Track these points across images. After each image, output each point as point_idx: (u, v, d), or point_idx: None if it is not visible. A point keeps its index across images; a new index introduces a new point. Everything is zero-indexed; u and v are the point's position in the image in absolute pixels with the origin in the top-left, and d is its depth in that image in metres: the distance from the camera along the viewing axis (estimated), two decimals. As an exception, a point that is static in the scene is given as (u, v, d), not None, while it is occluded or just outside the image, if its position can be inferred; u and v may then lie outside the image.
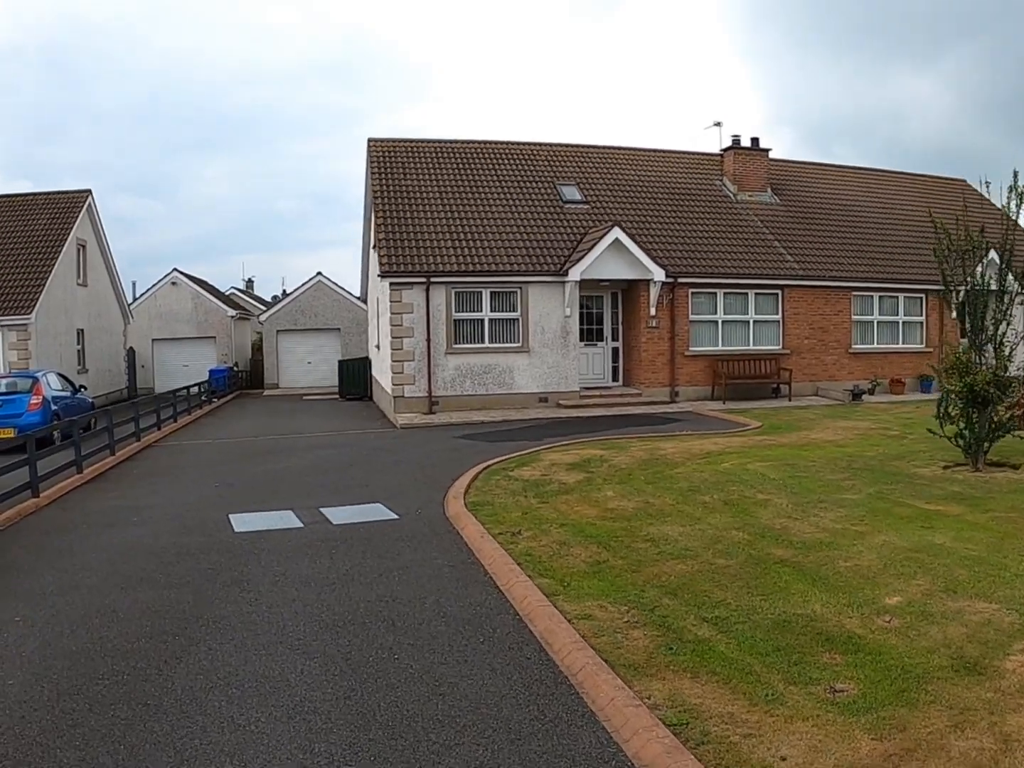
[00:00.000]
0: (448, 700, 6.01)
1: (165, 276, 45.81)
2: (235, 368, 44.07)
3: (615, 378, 27.40)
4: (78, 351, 34.00)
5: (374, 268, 31.50)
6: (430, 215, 26.14)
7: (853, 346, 29.09)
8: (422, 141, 29.95)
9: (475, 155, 29.83)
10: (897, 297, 30.00)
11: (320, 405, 33.29)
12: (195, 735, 5.58)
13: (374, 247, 30.62)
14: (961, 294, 29.39)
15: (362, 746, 5.39)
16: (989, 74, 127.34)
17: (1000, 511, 10.67)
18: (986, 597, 7.41)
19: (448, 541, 10.64)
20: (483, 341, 24.78)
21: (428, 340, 24.04)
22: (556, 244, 25.85)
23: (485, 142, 30.76)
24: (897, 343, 30.15)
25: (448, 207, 26.66)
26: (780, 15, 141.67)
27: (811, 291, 28.16)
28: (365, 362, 35.09)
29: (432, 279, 23.93)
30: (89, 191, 35.08)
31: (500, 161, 29.70)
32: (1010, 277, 15.11)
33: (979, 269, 30.02)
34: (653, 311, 25.94)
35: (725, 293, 27.14)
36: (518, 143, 31.07)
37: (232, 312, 46.19)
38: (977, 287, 15.70)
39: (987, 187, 16.25)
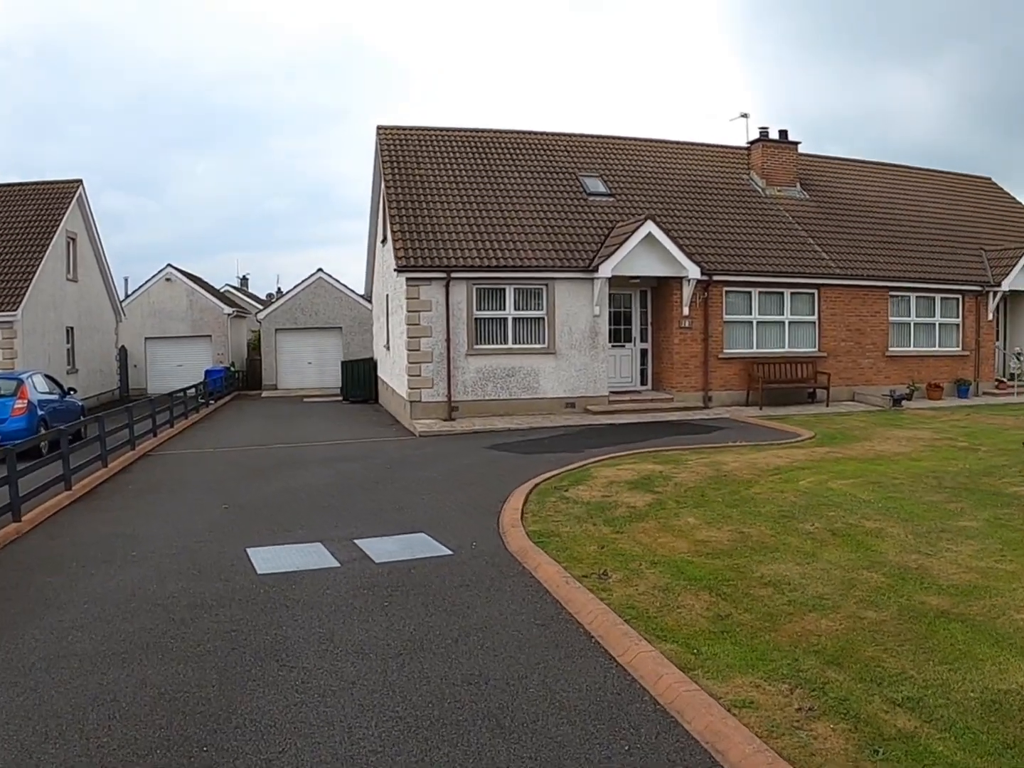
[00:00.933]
0: None
1: (159, 272, 43.36)
2: (232, 368, 41.77)
3: (644, 382, 25.30)
4: (67, 350, 31.68)
5: (382, 264, 29.39)
6: (447, 206, 24.00)
7: (890, 349, 27.10)
8: (434, 129, 27.80)
9: (491, 144, 27.69)
10: (934, 298, 28.04)
11: (324, 408, 31.02)
12: None
13: (383, 241, 28.48)
14: (999, 296, 27.64)
15: None
16: (980, 76, 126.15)
17: None
18: None
19: (523, 587, 8.55)
20: (506, 342, 22.65)
21: (447, 340, 21.91)
22: (582, 238, 23.74)
23: (501, 131, 28.63)
24: (933, 346, 28.20)
25: (466, 198, 24.52)
26: (773, 15, 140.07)
27: (848, 291, 26.15)
28: (371, 363, 32.87)
29: (452, 274, 21.79)
30: (80, 181, 32.75)
31: (518, 151, 27.57)
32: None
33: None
34: (686, 311, 23.86)
35: (760, 292, 25.08)
36: (536, 132, 28.94)
37: (229, 310, 43.83)
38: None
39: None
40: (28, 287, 27.19)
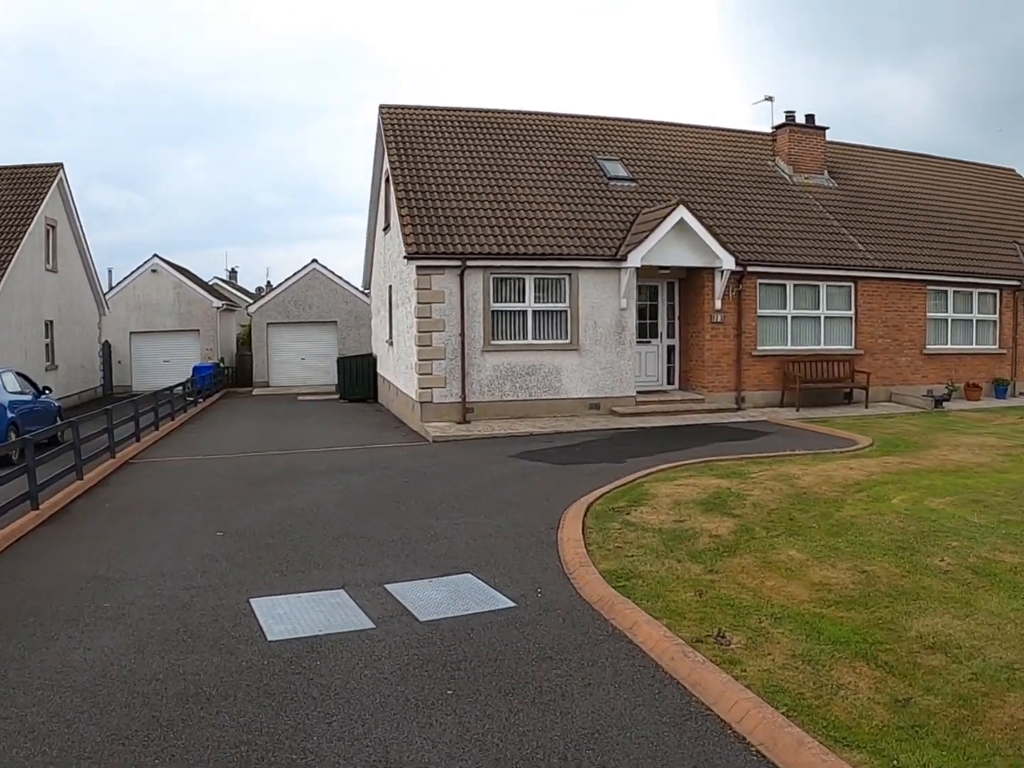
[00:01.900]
0: None
1: (144, 263, 40.71)
2: (221, 364, 39.29)
3: (670, 381, 23.09)
4: (46, 345, 29.19)
5: (384, 253, 27.10)
6: (459, 190, 21.71)
7: (927, 347, 25.00)
8: (442, 109, 25.48)
9: (502, 125, 25.39)
10: (971, 293, 25.94)
11: (321, 408, 28.66)
12: None
13: (385, 229, 26.19)
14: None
15: None
16: (966, 74, 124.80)
17: None
18: None
19: (625, 659, 6.48)
20: (526, 337, 20.39)
21: (462, 335, 19.66)
22: (605, 225, 21.51)
23: (512, 112, 26.32)
24: (970, 344, 26.11)
25: (479, 181, 22.24)
26: (766, 13, 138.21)
27: (885, 284, 24.01)
28: (370, 360, 30.50)
29: (468, 262, 19.52)
30: (60, 165, 30.26)
31: (531, 132, 25.27)
32: None
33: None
34: (718, 304, 21.67)
35: (795, 285, 22.91)
36: (549, 114, 26.64)
37: (218, 303, 41.24)
38: None
39: None
40: (3, 277, 24.72)
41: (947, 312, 25.53)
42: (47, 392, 20.93)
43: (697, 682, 5.87)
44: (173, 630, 7.07)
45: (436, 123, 24.58)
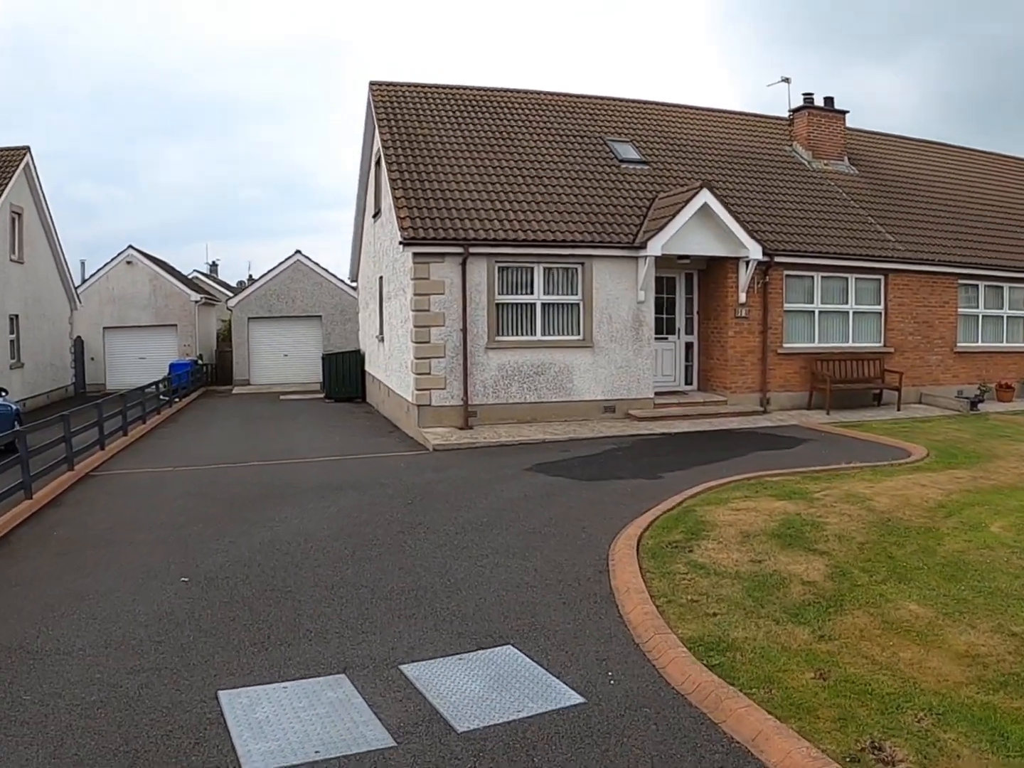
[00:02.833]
0: None
1: (119, 254, 38.21)
2: (200, 361, 36.93)
3: (688, 380, 21.01)
4: (11, 341, 26.84)
5: (373, 243, 24.94)
6: (459, 171, 19.56)
7: (958, 344, 23.07)
8: (438, 87, 23.30)
9: (502, 104, 23.23)
10: (1002, 288, 24.03)
11: (306, 409, 26.42)
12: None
13: (375, 216, 24.03)
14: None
15: None
16: (949, 71, 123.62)
17: None
18: None
19: None
20: (534, 333, 18.30)
21: (464, 331, 17.54)
22: (619, 210, 19.41)
23: (513, 90, 24.16)
24: (1001, 341, 24.21)
25: (480, 162, 20.09)
26: (750, 10, 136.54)
27: (916, 278, 22.04)
28: (357, 357, 28.27)
29: (471, 249, 17.39)
30: (26, 149, 27.93)
31: (534, 112, 23.13)
32: None
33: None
34: (743, 297, 19.62)
35: (823, 278, 20.91)
36: (553, 93, 24.50)
37: (196, 296, 38.80)
38: None
39: None
40: (-41, 266, 22.46)
41: (978, 308, 23.62)
42: (3, 394, 18.68)
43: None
44: (111, 750, 4.93)
45: (432, 101, 22.42)
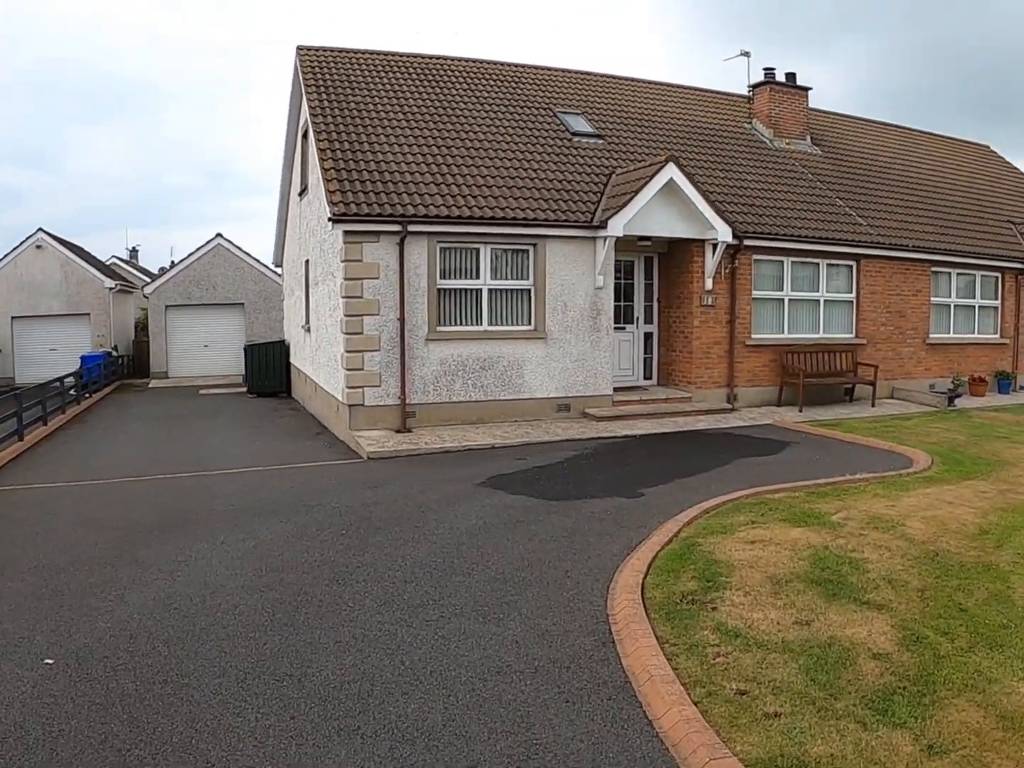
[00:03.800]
0: None
1: (27, 238, 35.17)
2: (114, 353, 34.01)
3: (647, 375, 19.03)
4: None
5: (299, 223, 22.56)
6: (395, 142, 17.29)
7: (930, 336, 21.50)
8: (372, 53, 20.93)
9: (444, 73, 20.96)
10: (974, 276, 22.59)
11: (226, 405, 23.92)
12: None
13: (301, 193, 21.69)
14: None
15: None
16: (876, 65, 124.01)
17: None
18: None
19: None
20: (480, 323, 16.17)
21: (401, 320, 15.34)
22: (573, 187, 17.34)
23: (456, 59, 21.91)
24: (972, 333, 22.76)
25: (419, 133, 17.83)
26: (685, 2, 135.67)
27: (889, 264, 20.39)
28: (282, 348, 25.81)
29: (409, 227, 15.21)
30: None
31: (477, 81, 20.90)
32: None
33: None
34: (709, 283, 17.71)
35: (793, 263, 19.11)
36: (498, 63, 22.27)
37: (111, 283, 35.75)
38: None
39: None
40: None
41: (950, 297, 22.10)
42: None
43: None
44: None
45: (367, 69, 20.04)
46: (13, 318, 34.72)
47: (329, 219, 15.14)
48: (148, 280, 44.63)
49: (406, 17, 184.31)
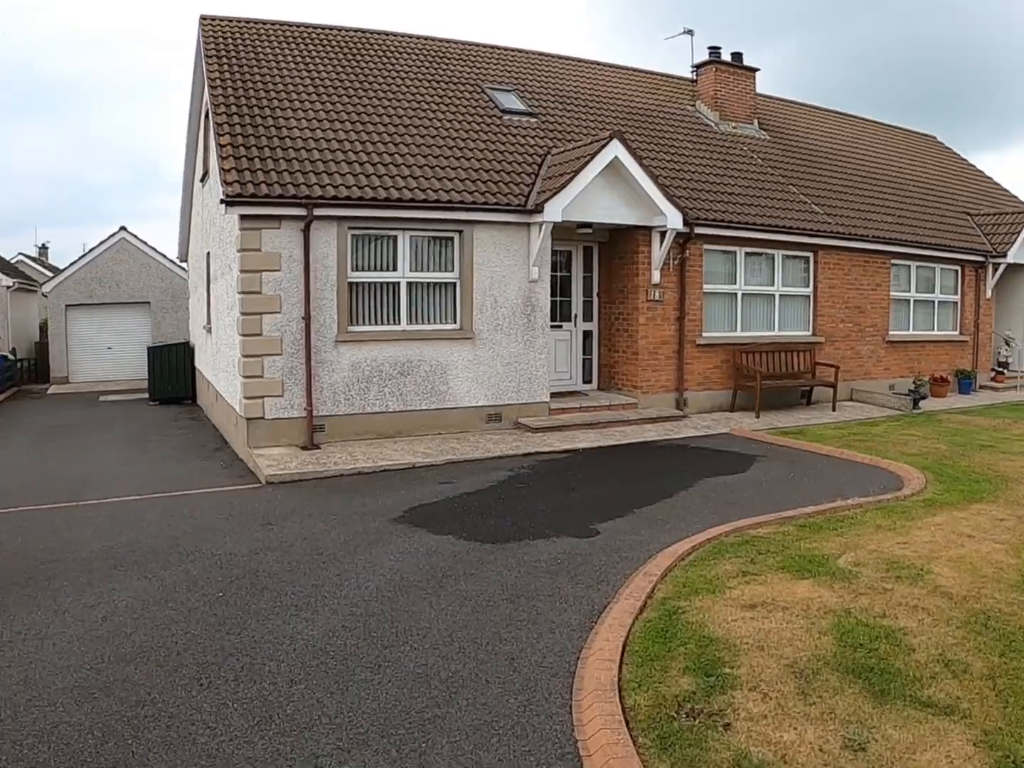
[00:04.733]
0: None
1: (-85, 234, 32.31)
2: (11, 357, 31.08)
3: (586, 378, 17.04)
4: None
5: (202, 211, 20.17)
6: (304, 116, 15.03)
7: (890, 333, 19.88)
8: (283, 24, 18.56)
9: (364, 46, 18.70)
10: (934, 269, 21.04)
11: (123, 414, 21.36)
12: None
13: (203, 179, 19.30)
14: (1001, 268, 20.75)
15: None
16: (808, 65, 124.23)
17: None
18: None
19: None
20: (398, 321, 14.04)
21: (307, 319, 13.16)
22: (503, 167, 15.29)
23: (374, 31, 19.62)
24: (931, 329, 21.22)
25: (332, 107, 15.61)
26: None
27: (848, 256, 18.72)
28: (186, 350, 23.33)
29: (316, 211, 13.02)
30: None
31: (398, 56, 18.68)
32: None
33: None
34: (657, 276, 15.80)
35: (747, 254, 17.29)
36: (421, 37, 20.02)
37: (9, 281, 32.56)
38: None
39: None
40: None
41: (909, 291, 20.54)
42: None
43: None
44: None
45: (279, 40, 17.69)
46: (-95, 321, 31.66)
47: (222, 201, 12.86)
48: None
49: None
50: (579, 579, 7.11)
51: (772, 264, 17.63)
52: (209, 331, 18.60)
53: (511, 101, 17.96)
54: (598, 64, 22.45)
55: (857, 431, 14.98)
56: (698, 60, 22.26)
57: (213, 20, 17.94)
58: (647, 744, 4.35)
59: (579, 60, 22.09)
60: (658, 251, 15.53)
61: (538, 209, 14.03)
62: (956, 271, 21.49)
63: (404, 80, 17.56)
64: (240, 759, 4.48)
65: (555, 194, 13.90)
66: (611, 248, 16.54)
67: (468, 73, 18.81)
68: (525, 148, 16.19)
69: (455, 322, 14.35)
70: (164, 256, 32.39)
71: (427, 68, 18.44)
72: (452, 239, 14.24)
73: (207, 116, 17.68)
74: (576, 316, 16.69)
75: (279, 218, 13.05)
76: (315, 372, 13.30)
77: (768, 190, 18.46)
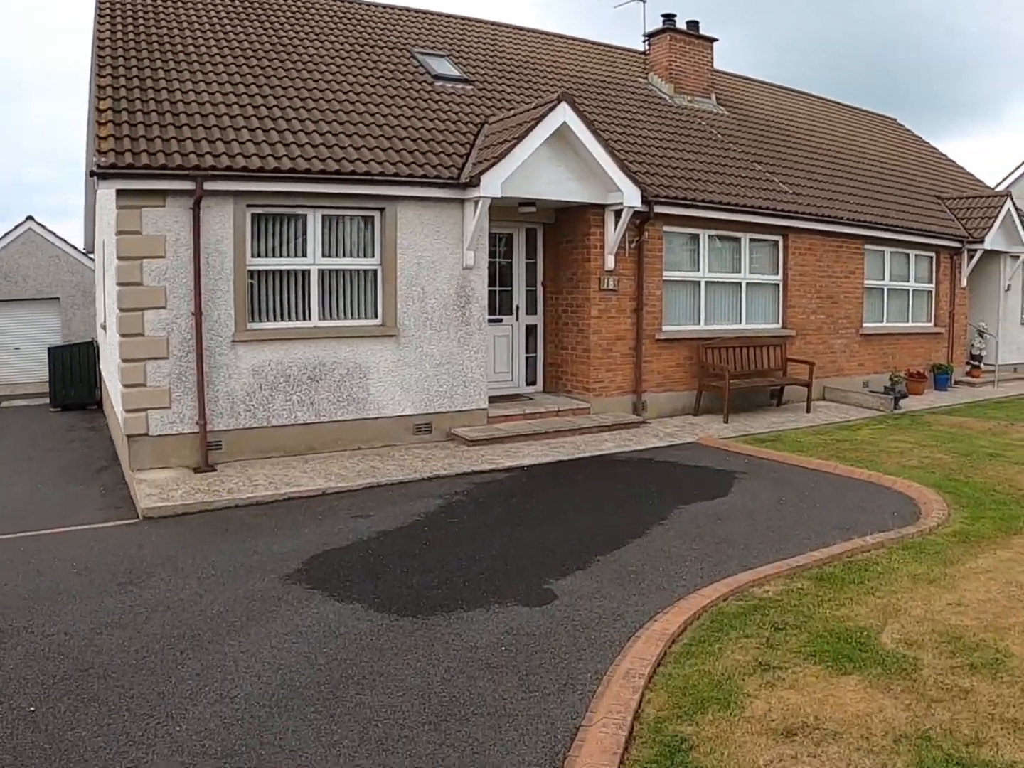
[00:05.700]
0: None
1: None
2: (-89, 360, 28.26)
3: (530, 379, 14.92)
4: None
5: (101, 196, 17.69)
6: (205, 80, 12.66)
7: (864, 325, 18.02)
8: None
9: (279, 9, 16.29)
10: (908, 256, 19.22)
11: (17, 424, 18.71)
12: None
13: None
14: (977, 255, 18.94)
15: None
16: (751, 55, 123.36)
17: None
18: None
19: None
20: (309, 316, 11.77)
21: (198, 315, 10.84)
22: (434, 136, 13.07)
23: (289, -12, 17.44)
24: (906, 321, 19.42)
25: (239, 71, 13.24)
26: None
27: (820, 240, 16.81)
28: (90, 350, 20.82)
29: (207, 184, 10.73)
30: None
31: (321, 19, 16.34)
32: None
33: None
34: (611, 262, 13.72)
35: (711, 237, 15.28)
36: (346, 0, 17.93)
37: (-90, 279, 30.04)
38: None
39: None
40: None
41: (883, 280, 18.69)
42: None
43: None
44: None
45: (183, 1, 15.42)
46: None
47: (93, 173, 10.54)
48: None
49: None
50: (532, 681, 4.99)
51: (738, 249, 15.64)
52: (105, 329, 16.19)
53: (444, 67, 15.77)
54: (542, 33, 20.35)
55: (840, 437, 13.05)
56: (651, 29, 20.22)
57: (109, -23, 15.49)
58: None
59: (521, 28, 19.97)
60: (612, 233, 13.43)
61: (473, 183, 11.84)
62: (931, 258, 19.71)
63: (324, 44, 15.27)
64: None
65: (493, 164, 11.73)
66: (558, 230, 14.42)
67: (397, 38, 16.58)
68: (460, 117, 14.01)
69: (376, 317, 12.12)
70: (75, 248, 29.59)
71: (351, 32, 16.16)
72: (372, 219, 12.01)
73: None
74: (518, 308, 14.55)
75: (163, 194, 10.74)
76: (209, 378, 11.02)
77: (732, 167, 16.46)
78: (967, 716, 4.22)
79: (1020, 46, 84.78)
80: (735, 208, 14.96)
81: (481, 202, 11.92)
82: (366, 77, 14.40)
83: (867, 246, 17.80)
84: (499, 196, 11.90)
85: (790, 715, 4.28)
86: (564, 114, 12.23)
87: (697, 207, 14.39)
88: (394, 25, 17.28)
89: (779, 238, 16.17)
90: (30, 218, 29.13)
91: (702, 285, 15.17)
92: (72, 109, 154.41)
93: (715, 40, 20.10)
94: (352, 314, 12.01)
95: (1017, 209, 20.90)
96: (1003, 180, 29.91)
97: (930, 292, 19.79)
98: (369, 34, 16.32)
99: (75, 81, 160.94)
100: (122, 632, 5.99)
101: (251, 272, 11.34)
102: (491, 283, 13.63)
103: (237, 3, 15.98)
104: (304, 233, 11.66)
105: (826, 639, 5.24)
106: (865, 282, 17.88)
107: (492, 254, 13.72)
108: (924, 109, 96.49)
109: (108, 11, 14.18)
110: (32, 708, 4.90)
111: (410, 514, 8.83)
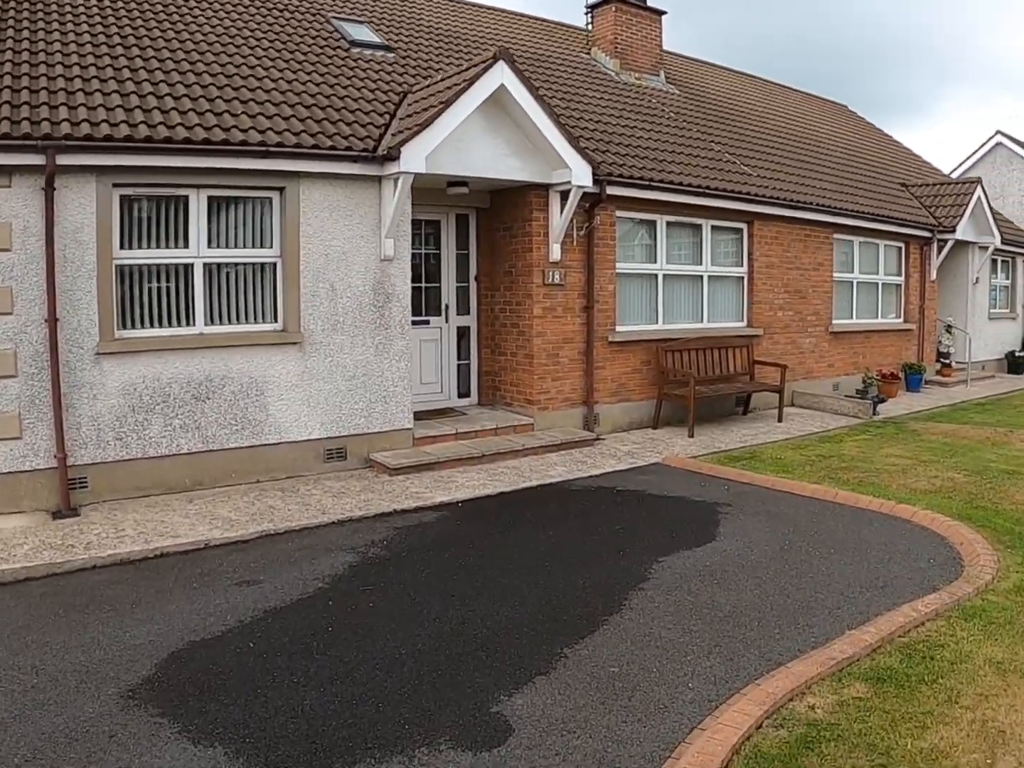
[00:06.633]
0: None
1: None
2: None
3: (463, 390, 12.84)
4: None
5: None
6: (78, 41, 10.34)
7: (834, 322, 16.31)
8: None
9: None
10: (877, 246, 17.62)
11: None
12: None
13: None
14: (948, 246, 17.28)
15: None
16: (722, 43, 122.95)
17: None
18: None
19: None
20: (192, 322, 9.56)
21: (53, 321, 8.62)
22: (347, 103, 10.95)
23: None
24: (876, 317, 17.82)
25: (121, 33, 10.96)
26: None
27: (787, 228, 15.06)
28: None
29: (61, 157, 8.50)
30: None
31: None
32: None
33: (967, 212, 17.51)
34: (557, 252, 11.74)
35: (669, 223, 13.40)
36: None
37: None
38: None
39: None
40: None
41: (852, 272, 17.03)
42: None
43: None
44: None
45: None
46: None
47: (-89, 146, 8.31)
48: None
49: None
50: None
51: (699, 237, 13.79)
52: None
53: (363, 33, 13.68)
54: (474, 5, 18.35)
55: (824, 452, 11.23)
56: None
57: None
58: None
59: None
60: (559, 218, 11.46)
61: (392, 155, 9.75)
62: (899, 248, 18.11)
63: (224, 6, 13.11)
64: None
65: (416, 133, 9.66)
66: (495, 215, 12.39)
67: (309, 2, 14.45)
68: (379, 86, 11.93)
69: (275, 320, 9.98)
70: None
71: (253, -7, 14.01)
72: (270, 201, 9.88)
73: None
74: (448, 308, 12.48)
75: (8, 170, 8.51)
76: (69, 401, 8.80)
77: (689, 148, 14.60)
78: None
79: (949, 36, 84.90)
80: (697, 191, 13.06)
81: (402, 179, 9.83)
82: (270, 41, 12.24)
83: (836, 235, 16.09)
84: (424, 172, 9.82)
85: None
86: (502, 75, 10.22)
87: (655, 188, 12.45)
88: (305, -11, 15.14)
89: (744, 225, 14.36)
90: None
91: (660, 279, 13.26)
92: None
93: (664, 13, 18.21)
94: (246, 318, 9.85)
95: (987, 196, 19.41)
96: (956, 168, 28.70)
97: (899, 286, 18.19)
98: (276, -2, 14.18)
99: None
100: None
101: (120, 268, 9.15)
102: (415, 278, 11.57)
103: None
104: (186, 219, 9.48)
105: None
106: (834, 275, 16.17)
107: (416, 244, 11.72)
108: (859, 105, 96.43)
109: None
110: None
111: (312, 578, 6.74)
